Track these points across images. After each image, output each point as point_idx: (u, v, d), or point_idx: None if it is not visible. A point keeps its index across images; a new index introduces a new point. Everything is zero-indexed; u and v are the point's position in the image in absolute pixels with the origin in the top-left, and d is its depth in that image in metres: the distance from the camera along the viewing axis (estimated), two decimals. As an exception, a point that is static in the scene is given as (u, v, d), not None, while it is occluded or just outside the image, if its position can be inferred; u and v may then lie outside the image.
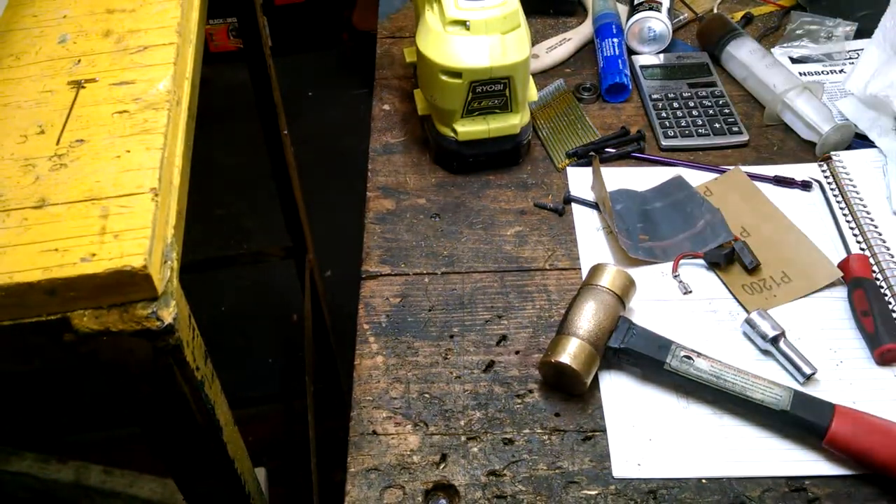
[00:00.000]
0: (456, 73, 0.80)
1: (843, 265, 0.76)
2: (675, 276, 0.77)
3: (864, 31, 1.01)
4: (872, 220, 0.81)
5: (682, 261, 0.78)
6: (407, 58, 0.95)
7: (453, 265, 0.79)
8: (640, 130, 0.92)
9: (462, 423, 0.67)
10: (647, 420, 0.66)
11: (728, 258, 0.77)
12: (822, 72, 0.99)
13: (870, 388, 0.68)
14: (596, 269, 0.72)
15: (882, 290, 0.73)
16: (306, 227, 1.50)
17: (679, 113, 0.93)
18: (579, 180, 0.87)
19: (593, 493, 0.62)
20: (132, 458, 1.14)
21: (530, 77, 0.86)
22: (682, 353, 0.66)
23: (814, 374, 0.67)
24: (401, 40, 1.07)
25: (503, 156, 0.88)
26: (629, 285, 0.71)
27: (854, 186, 0.84)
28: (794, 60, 1.00)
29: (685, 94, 0.95)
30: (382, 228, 0.83)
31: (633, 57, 1.01)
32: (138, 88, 0.58)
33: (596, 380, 0.68)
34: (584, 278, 0.73)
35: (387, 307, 0.76)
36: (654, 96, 0.95)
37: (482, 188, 0.87)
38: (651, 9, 1.00)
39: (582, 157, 0.89)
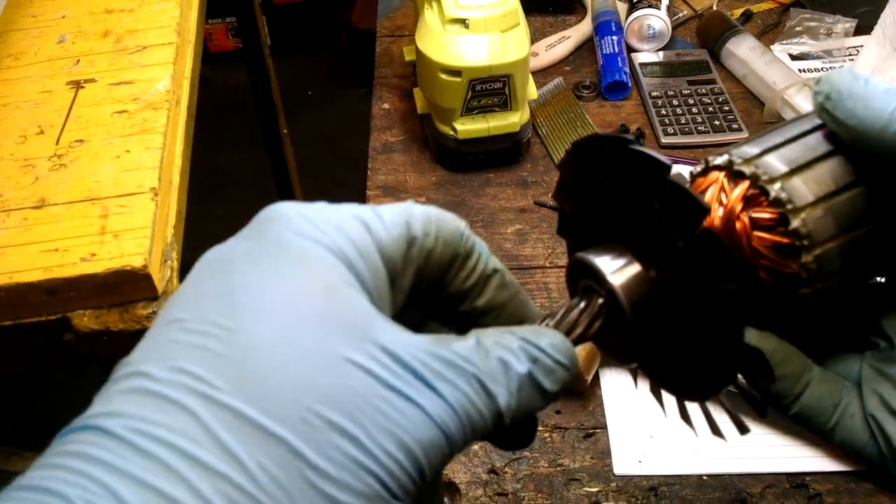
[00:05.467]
0: (455, 72, 0.80)
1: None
2: (676, 274, 0.77)
3: (864, 28, 1.01)
4: (872, 216, 0.80)
5: (682, 258, 0.78)
6: (406, 56, 0.95)
7: (453, 263, 0.79)
8: (639, 128, 0.92)
9: (463, 421, 0.67)
10: (648, 417, 0.66)
11: (728, 255, 0.77)
12: (822, 68, 0.99)
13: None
14: (596, 267, 0.72)
15: (882, 287, 0.73)
16: (306, 227, 1.50)
17: (679, 110, 0.92)
18: (579, 178, 0.87)
19: (594, 490, 0.62)
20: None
21: (530, 75, 0.86)
22: (683, 351, 0.66)
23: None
24: (400, 39, 1.07)
25: (503, 154, 0.88)
26: (629, 283, 0.71)
27: (854, 183, 0.84)
28: (793, 57, 1.00)
29: (685, 92, 0.95)
30: (382, 227, 0.83)
31: (633, 54, 1.01)
32: (137, 88, 0.58)
33: (597, 377, 0.68)
34: (584, 276, 0.73)
35: (387, 306, 0.75)
36: (654, 94, 0.95)
37: (482, 186, 0.87)
38: (650, 6, 1.00)
39: (582, 154, 0.89)
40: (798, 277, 0.31)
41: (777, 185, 0.31)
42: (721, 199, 0.32)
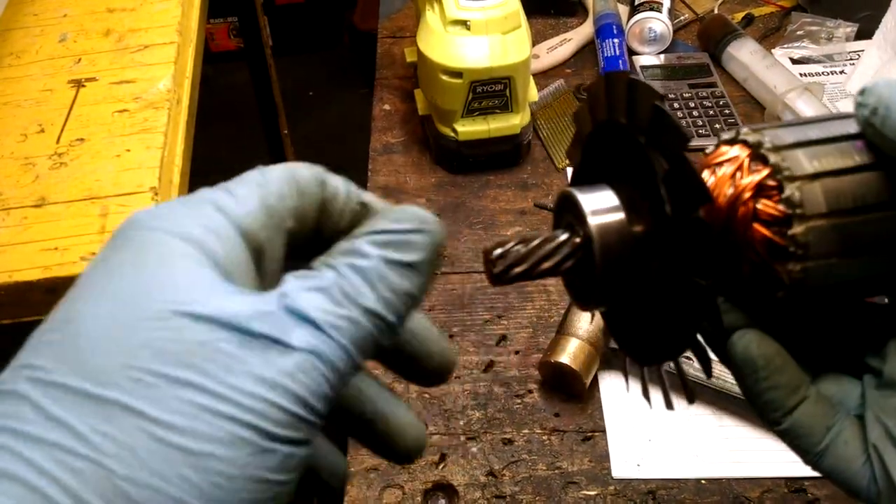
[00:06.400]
0: (456, 73, 0.80)
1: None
2: (675, 277, 0.77)
3: (865, 32, 1.01)
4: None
5: (682, 261, 0.78)
6: (407, 58, 0.95)
7: (453, 265, 0.79)
8: (640, 131, 0.91)
9: (461, 423, 0.67)
10: (647, 420, 0.66)
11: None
12: (823, 73, 0.99)
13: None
14: (596, 270, 0.72)
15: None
16: (306, 227, 1.50)
17: (680, 113, 0.92)
18: (579, 181, 0.87)
19: (592, 493, 0.62)
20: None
21: (531, 77, 0.86)
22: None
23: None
24: (401, 40, 1.07)
25: (503, 156, 0.88)
26: (629, 286, 0.71)
27: (854, 187, 0.84)
28: (794, 61, 1.00)
29: (686, 95, 0.95)
30: (382, 228, 0.83)
31: (634, 57, 1.01)
32: (138, 87, 0.58)
33: (595, 380, 0.68)
34: (583, 279, 0.73)
35: (386, 307, 0.75)
36: (655, 97, 0.95)
37: (482, 188, 0.87)
38: (652, 9, 1.00)
39: (582, 157, 0.89)
40: (781, 281, 0.30)
41: (795, 185, 0.29)
42: (736, 177, 0.31)
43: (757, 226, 0.30)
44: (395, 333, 0.26)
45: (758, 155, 0.31)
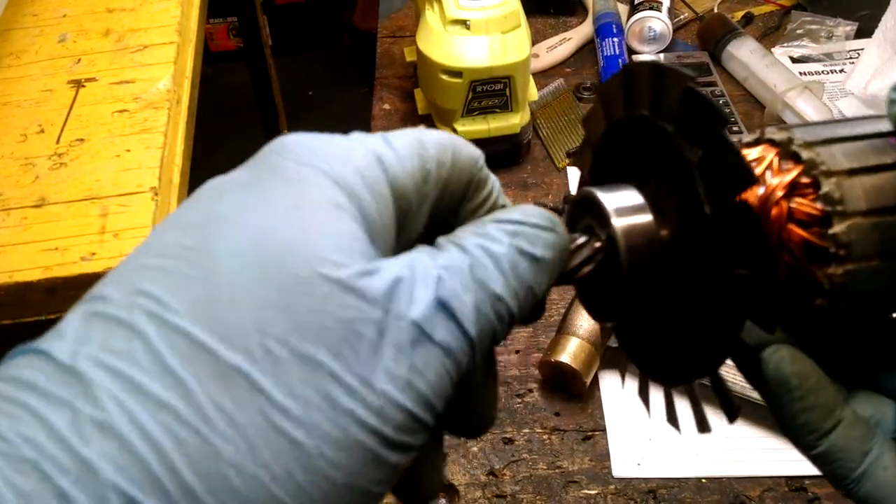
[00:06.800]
0: (456, 73, 0.80)
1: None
2: (676, 276, 0.77)
3: (865, 31, 1.01)
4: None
5: (682, 260, 0.78)
6: (407, 57, 0.95)
7: (453, 265, 0.79)
8: (640, 130, 0.91)
9: (462, 422, 0.67)
10: (647, 419, 0.66)
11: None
12: (823, 71, 0.99)
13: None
14: (596, 269, 0.71)
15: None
16: (306, 227, 1.50)
17: (679, 112, 0.92)
18: (579, 180, 0.87)
19: (593, 492, 0.62)
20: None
21: (530, 77, 0.86)
22: (682, 353, 0.66)
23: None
24: (401, 40, 1.07)
25: (503, 155, 0.88)
26: (629, 285, 0.71)
27: (854, 186, 0.84)
28: (794, 60, 1.00)
29: (685, 94, 0.95)
30: (382, 228, 0.83)
31: (633, 56, 1.01)
32: (138, 87, 0.58)
33: (596, 379, 0.68)
34: (584, 278, 0.73)
35: (387, 306, 0.75)
36: (655, 96, 0.95)
37: (482, 188, 0.87)
38: (651, 8, 1.00)
39: (582, 156, 0.89)
40: (819, 287, 0.28)
41: (833, 180, 0.27)
42: (766, 178, 0.28)
43: (793, 227, 0.28)
44: (508, 330, 0.24)
45: (788, 153, 0.28)
